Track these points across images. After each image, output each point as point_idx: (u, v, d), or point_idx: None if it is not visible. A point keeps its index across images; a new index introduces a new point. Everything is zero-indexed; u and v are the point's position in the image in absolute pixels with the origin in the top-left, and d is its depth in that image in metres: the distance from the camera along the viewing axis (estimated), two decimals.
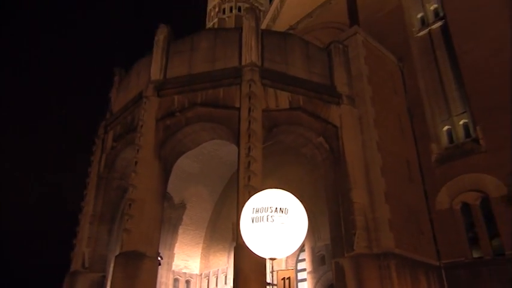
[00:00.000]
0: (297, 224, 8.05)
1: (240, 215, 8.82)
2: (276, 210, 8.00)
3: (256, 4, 55.10)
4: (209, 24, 55.27)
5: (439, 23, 29.50)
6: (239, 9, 53.46)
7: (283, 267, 29.20)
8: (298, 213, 8.15)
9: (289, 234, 7.97)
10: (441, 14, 29.52)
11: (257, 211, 8.15)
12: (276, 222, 7.90)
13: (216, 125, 23.56)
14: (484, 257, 22.46)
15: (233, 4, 54.18)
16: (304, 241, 28.05)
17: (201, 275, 33.92)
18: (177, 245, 32.93)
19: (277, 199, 8.32)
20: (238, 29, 25.65)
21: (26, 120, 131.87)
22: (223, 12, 54.10)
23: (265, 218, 7.96)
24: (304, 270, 28.88)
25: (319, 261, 27.44)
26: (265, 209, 8.07)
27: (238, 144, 21.29)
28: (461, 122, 26.37)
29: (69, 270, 25.21)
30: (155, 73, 24.73)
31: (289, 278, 24.79)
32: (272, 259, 8.94)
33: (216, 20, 54.06)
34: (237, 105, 22.12)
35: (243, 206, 15.51)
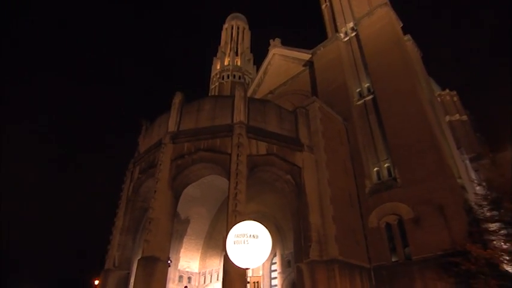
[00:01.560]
0: (264, 246, 9.32)
1: (227, 234, 9.75)
2: (250, 236, 9.35)
3: (246, 74, 56.10)
4: (212, 86, 55.65)
5: (370, 96, 30.81)
6: (234, 77, 54.31)
7: (261, 270, 29.45)
8: (265, 238, 9.43)
9: (258, 252, 9.27)
10: (372, 90, 30.94)
11: (237, 236, 9.44)
12: (250, 244, 9.22)
13: (213, 165, 23.95)
14: (399, 261, 23.17)
15: (230, 73, 54.72)
16: (276, 249, 28.69)
17: (199, 273, 33.19)
18: (182, 250, 32.34)
19: (251, 228, 9.60)
20: (232, 96, 26.60)
21: (79, 165, 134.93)
22: (222, 78, 54.11)
23: (242, 241, 9.29)
24: (275, 270, 29.02)
25: (286, 265, 27.60)
26: (243, 235, 9.39)
27: (229, 179, 21.88)
28: (385, 165, 27.34)
29: (104, 268, 25.17)
30: (171, 126, 25.47)
31: (257, 282, 25.03)
32: (247, 268, 10.08)
33: (217, 83, 54.41)
34: (229, 151, 22.83)
35: (231, 226, 16.70)
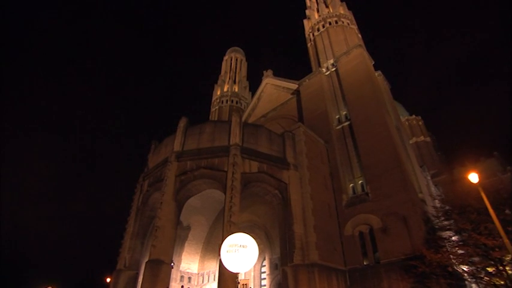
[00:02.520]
0: (251, 254, 10.09)
1: (222, 243, 10.53)
2: (240, 246, 10.12)
3: (242, 99, 56.59)
4: (213, 109, 56.11)
5: (347, 122, 31.74)
6: (232, 101, 54.97)
7: (252, 271, 29.73)
8: (253, 248, 10.18)
9: (246, 259, 10.03)
10: (348, 117, 31.90)
11: (230, 246, 10.21)
12: (240, 253, 10.00)
13: (212, 181, 24.53)
14: (369, 264, 23.81)
15: (228, 98, 55.46)
16: (265, 254, 28.88)
17: (198, 273, 33.25)
18: (183, 253, 32.45)
19: (241, 239, 10.37)
20: (229, 121, 27.21)
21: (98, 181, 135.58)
22: (222, 103, 55.01)
23: (234, 251, 10.06)
24: (265, 272, 29.37)
25: (274, 267, 27.92)
26: (234, 245, 10.17)
27: (225, 193, 22.52)
28: (359, 182, 28.12)
29: (116, 268, 25.49)
30: (177, 146, 26.09)
31: (246, 284, 25.26)
32: (238, 273, 10.84)
33: (217, 107, 54.92)
34: (226, 169, 23.51)
35: (226, 234, 17.24)
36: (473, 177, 15.12)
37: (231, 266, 10.25)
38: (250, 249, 10.20)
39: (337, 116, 33.44)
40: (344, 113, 32.94)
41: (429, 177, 37.45)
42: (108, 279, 34.09)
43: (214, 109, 55.36)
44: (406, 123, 59.68)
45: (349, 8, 43.38)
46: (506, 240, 13.94)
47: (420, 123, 59.50)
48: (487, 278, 17.88)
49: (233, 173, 22.84)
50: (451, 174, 45.69)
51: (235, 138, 25.25)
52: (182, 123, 27.67)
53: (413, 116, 60.89)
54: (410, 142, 58.36)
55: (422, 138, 57.13)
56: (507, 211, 18.16)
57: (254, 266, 31.44)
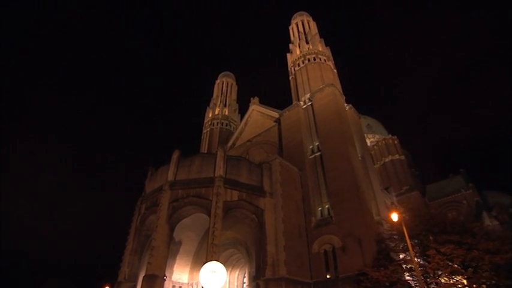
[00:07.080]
0: (220, 278, 14.53)
1: (201, 268, 15.02)
2: (212, 272, 14.55)
3: (232, 121, 60.18)
4: (205, 131, 59.16)
5: (319, 153, 36.06)
6: (222, 124, 58.77)
7: (236, 282, 34.00)
8: (221, 273, 14.58)
9: (217, 281, 14.56)
10: (320, 148, 36.26)
11: (205, 272, 14.61)
12: (212, 277, 14.54)
13: (199, 207, 28.73)
14: (331, 278, 27.86)
15: (219, 121, 58.41)
16: (246, 267, 33.25)
17: (188, 283, 36.21)
18: (175, 265, 35.60)
19: (213, 267, 14.75)
20: (215, 155, 31.49)
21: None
22: (213, 125, 58.24)
23: (208, 275, 14.50)
24: (245, 283, 33.82)
25: (252, 279, 31.28)
26: (209, 271, 14.62)
27: (209, 217, 26.71)
28: (326, 206, 32.38)
29: (117, 280, 29.22)
30: (170, 176, 30.29)
31: None
32: None
33: (208, 129, 58.11)
34: (211, 198, 27.73)
35: (209, 254, 21.55)
36: (394, 217, 20.03)
37: (207, 286, 14.92)
38: (218, 274, 14.61)
39: (310, 147, 37.79)
40: (317, 144, 37.30)
41: (394, 198, 42.35)
42: (107, 287, 38.04)
43: (206, 131, 59.17)
44: (383, 142, 65.35)
45: (326, 44, 48.56)
46: (415, 264, 18.98)
47: (396, 142, 64.97)
48: None
49: (216, 201, 27.26)
50: (420, 191, 50.65)
51: (220, 170, 29.73)
52: (175, 155, 32.03)
53: (390, 136, 66.57)
54: (386, 160, 64.04)
55: (397, 156, 62.49)
56: (431, 237, 23.09)
57: (237, 277, 36.13)
